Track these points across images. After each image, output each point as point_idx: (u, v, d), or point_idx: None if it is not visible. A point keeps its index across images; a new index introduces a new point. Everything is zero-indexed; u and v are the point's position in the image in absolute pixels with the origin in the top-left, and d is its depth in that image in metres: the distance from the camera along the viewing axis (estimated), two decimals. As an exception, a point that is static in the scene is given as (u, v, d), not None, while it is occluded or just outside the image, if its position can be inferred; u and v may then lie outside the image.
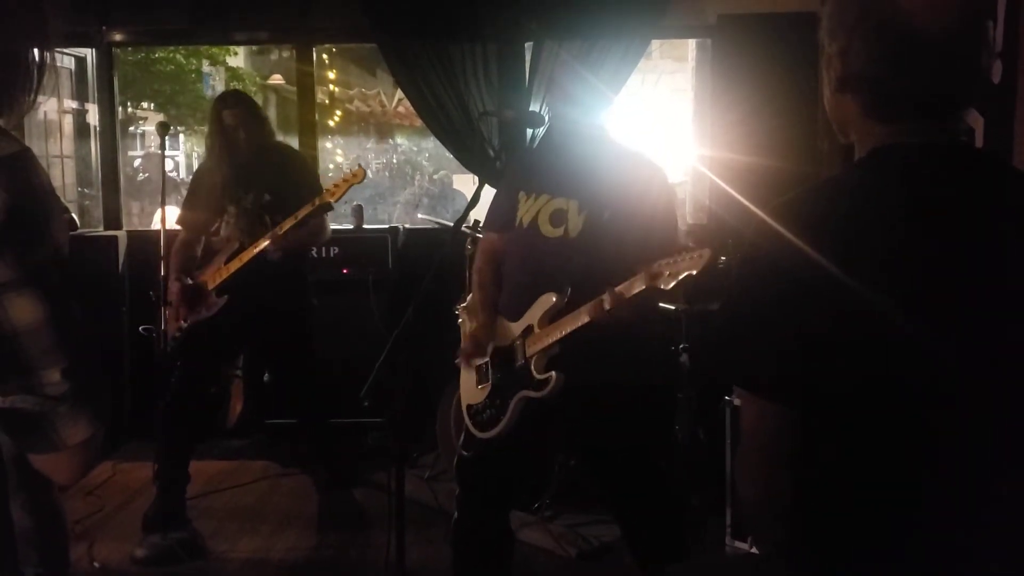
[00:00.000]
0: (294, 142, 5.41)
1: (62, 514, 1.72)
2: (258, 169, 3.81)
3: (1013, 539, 1.25)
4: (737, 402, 3.43)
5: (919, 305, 1.20)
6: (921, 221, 1.22)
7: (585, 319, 2.51)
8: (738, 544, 3.54)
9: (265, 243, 3.65)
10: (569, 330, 2.56)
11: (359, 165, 3.80)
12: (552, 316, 2.61)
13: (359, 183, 3.74)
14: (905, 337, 1.20)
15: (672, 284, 2.36)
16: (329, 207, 3.71)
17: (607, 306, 2.45)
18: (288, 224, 3.64)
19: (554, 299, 2.60)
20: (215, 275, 3.82)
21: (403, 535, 2.45)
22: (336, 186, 3.70)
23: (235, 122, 3.78)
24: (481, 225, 3.09)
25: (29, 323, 1.34)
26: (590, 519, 3.88)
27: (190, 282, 3.84)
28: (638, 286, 2.42)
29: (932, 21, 1.22)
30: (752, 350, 1.27)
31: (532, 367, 2.63)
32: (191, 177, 3.80)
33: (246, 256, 3.72)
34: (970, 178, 1.27)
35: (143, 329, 3.91)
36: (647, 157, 2.78)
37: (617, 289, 2.46)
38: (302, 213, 3.63)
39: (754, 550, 3.42)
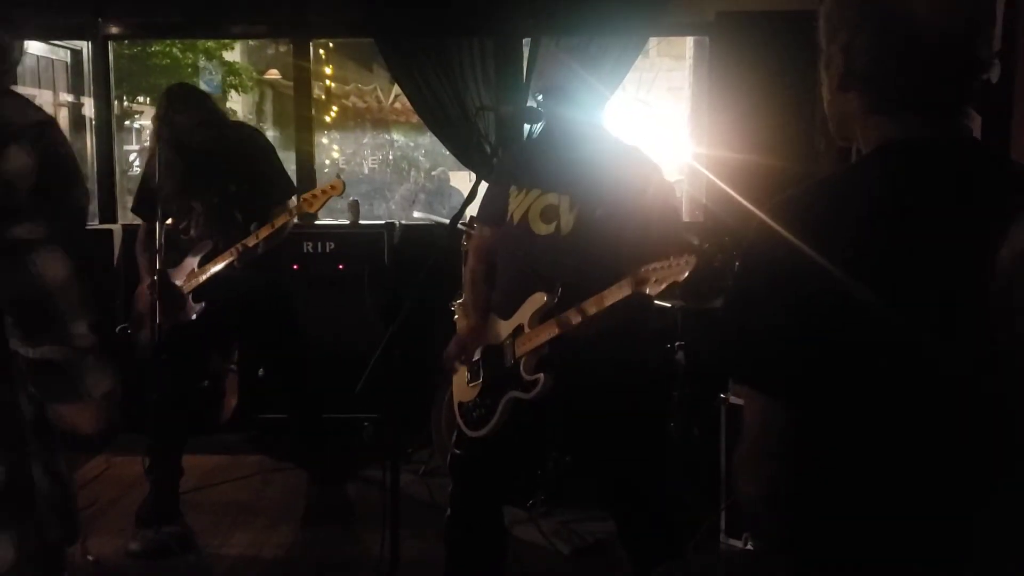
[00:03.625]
0: (290, 137, 5.40)
1: (74, 482, 1.79)
2: (219, 161, 3.68)
3: (1012, 535, 1.25)
4: (733, 399, 3.43)
5: (922, 300, 1.20)
6: (925, 216, 1.22)
7: (555, 331, 2.51)
8: (732, 542, 3.54)
9: (236, 255, 3.61)
10: (547, 339, 2.56)
11: (338, 176, 3.79)
12: (543, 316, 2.59)
13: (338, 195, 3.73)
14: (907, 333, 1.19)
15: (658, 291, 2.36)
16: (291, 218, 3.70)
17: (574, 322, 2.46)
18: (264, 234, 3.60)
19: (544, 298, 2.58)
20: (190, 279, 3.73)
21: (397, 530, 2.44)
22: (315, 196, 3.67)
23: (188, 125, 3.62)
24: (473, 220, 3.06)
25: (59, 279, 1.44)
26: (583, 515, 3.88)
27: (161, 279, 3.67)
28: (623, 292, 2.41)
29: (936, 17, 1.22)
30: (754, 348, 1.26)
31: (521, 368, 2.62)
32: (144, 166, 3.70)
33: (221, 260, 3.66)
34: (974, 173, 1.27)
35: (120, 329, 3.87)
36: (643, 153, 2.74)
37: (584, 305, 2.46)
38: (278, 223, 3.61)
39: (749, 547, 3.43)
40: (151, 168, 3.78)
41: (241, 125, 4.28)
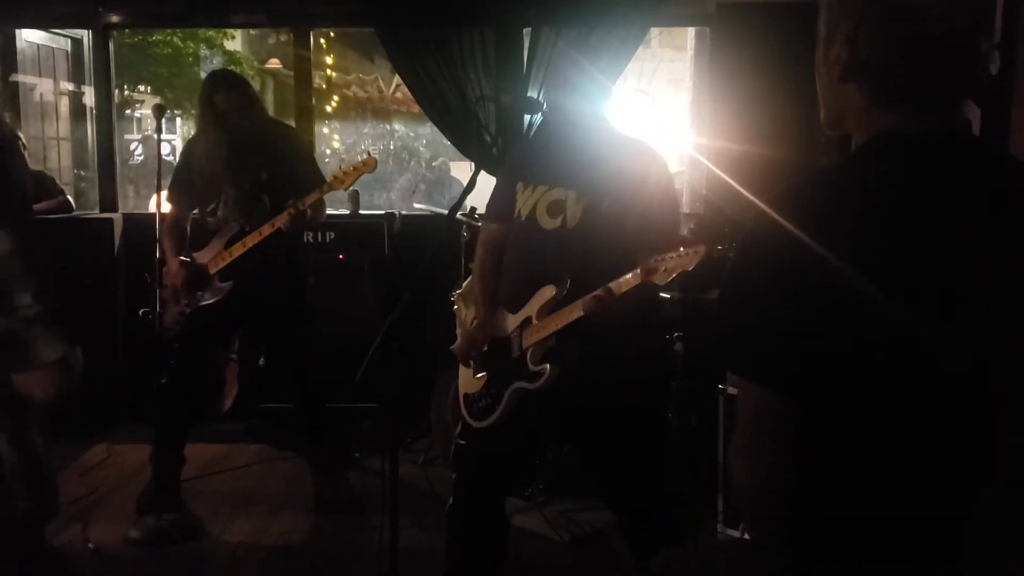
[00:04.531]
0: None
1: (46, 454, 1.83)
2: (253, 149, 3.76)
3: (1010, 534, 1.25)
4: (731, 390, 3.44)
5: (921, 293, 1.20)
6: (925, 209, 1.22)
7: (579, 313, 2.52)
8: (729, 531, 3.56)
9: (280, 223, 3.60)
10: (565, 323, 2.57)
11: (369, 154, 3.78)
12: (550, 308, 2.61)
13: (370, 172, 3.72)
14: (906, 327, 1.20)
15: (667, 280, 2.38)
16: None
17: (601, 301, 2.46)
18: (312, 199, 3.61)
19: (552, 291, 2.60)
20: (217, 259, 3.76)
21: (396, 519, 2.45)
22: (346, 173, 3.67)
23: (228, 106, 3.70)
24: (482, 215, 3.07)
25: (1, 254, 1.52)
26: (583, 505, 3.90)
27: (189, 260, 3.77)
28: (633, 281, 2.43)
29: (939, 10, 1.22)
30: (753, 341, 1.26)
31: (527, 359, 2.64)
32: (180, 152, 3.72)
33: (251, 241, 3.68)
34: (973, 167, 1.27)
35: (143, 312, 3.89)
36: (647, 145, 2.75)
37: (611, 285, 2.47)
38: (310, 200, 3.62)
39: (746, 537, 3.44)
40: (188, 155, 3.86)
41: (279, 122, 4.31)
